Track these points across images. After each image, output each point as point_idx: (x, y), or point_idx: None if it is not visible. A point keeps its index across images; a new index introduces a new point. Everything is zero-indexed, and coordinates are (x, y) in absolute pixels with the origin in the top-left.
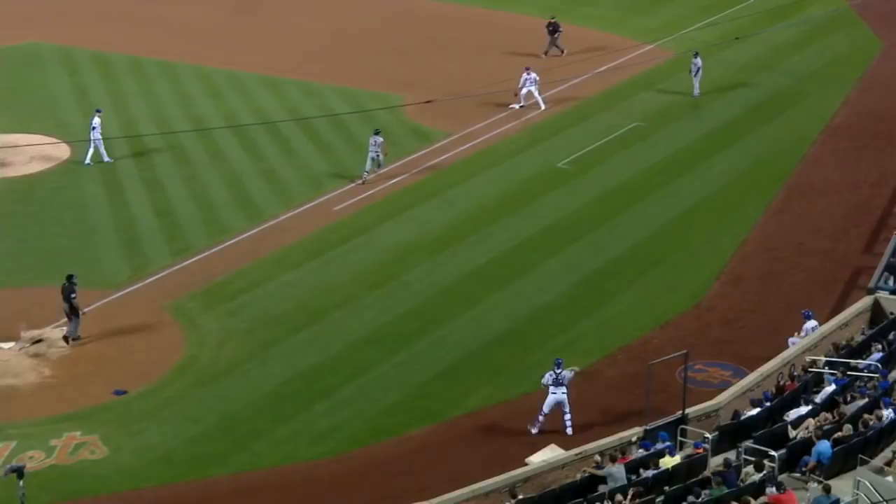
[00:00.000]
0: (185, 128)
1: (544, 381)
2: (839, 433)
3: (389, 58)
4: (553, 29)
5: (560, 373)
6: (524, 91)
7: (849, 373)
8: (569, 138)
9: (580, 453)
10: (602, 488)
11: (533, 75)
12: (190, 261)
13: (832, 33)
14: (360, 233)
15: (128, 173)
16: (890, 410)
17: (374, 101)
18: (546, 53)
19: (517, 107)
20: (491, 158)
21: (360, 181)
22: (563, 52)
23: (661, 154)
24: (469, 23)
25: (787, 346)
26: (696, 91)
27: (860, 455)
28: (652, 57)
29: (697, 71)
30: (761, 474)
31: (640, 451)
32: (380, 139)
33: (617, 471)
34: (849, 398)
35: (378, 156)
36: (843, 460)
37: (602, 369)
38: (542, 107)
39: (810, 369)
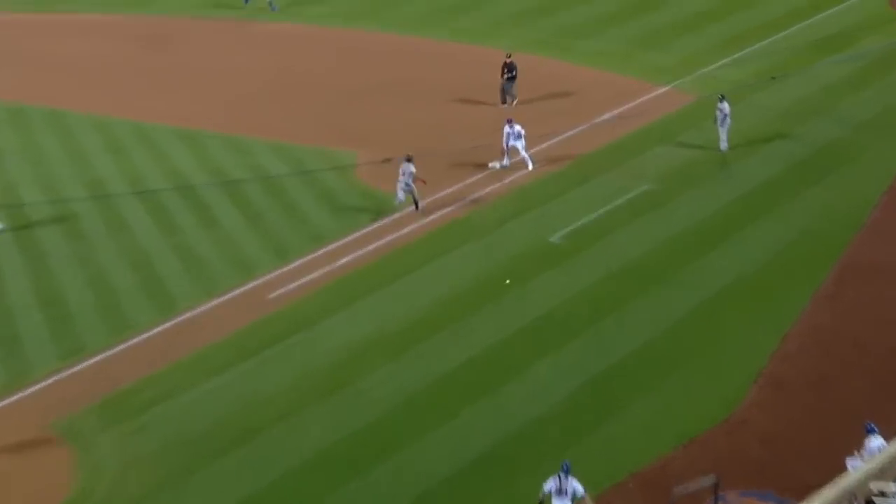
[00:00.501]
0: (78, 193)
1: (546, 489)
2: None
3: (337, 105)
4: (508, 70)
5: (567, 481)
6: (508, 147)
7: None
8: (564, 206)
9: None
10: None
11: (517, 128)
12: (84, 364)
13: (893, 71)
14: (302, 327)
15: (5, 252)
16: None
17: (319, 160)
18: (508, 102)
19: (499, 166)
20: (467, 232)
21: (418, 210)
22: (513, 101)
23: (680, 225)
24: (436, 61)
25: (846, 471)
26: (724, 144)
27: None
28: (667, 102)
29: (724, 119)
30: None
31: None
32: (411, 167)
33: None
34: None
35: (410, 186)
36: None
37: (610, 500)
38: (531, 166)
39: (877, 500)
